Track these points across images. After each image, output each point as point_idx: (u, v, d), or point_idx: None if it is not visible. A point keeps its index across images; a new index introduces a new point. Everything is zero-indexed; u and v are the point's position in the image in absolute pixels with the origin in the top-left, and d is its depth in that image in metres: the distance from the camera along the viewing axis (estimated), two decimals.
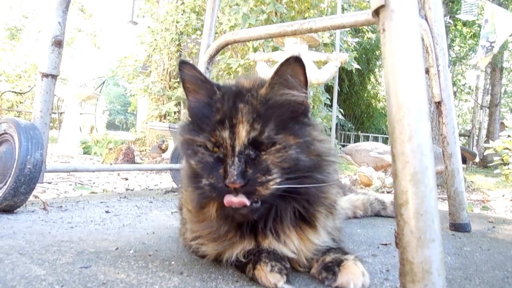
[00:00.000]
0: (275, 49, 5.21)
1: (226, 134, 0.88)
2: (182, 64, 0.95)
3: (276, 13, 5.62)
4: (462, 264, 1.19)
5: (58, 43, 1.70)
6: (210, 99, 0.94)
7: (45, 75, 1.70)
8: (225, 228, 0.97)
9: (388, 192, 3.98)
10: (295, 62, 0.89)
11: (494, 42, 6.70)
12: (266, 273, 0.89)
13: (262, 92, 0.92)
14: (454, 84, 17.07)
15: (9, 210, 1.59)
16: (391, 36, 0.75)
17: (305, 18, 6.01)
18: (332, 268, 0.93)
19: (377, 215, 2.05)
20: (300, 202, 0.96)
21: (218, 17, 6.01)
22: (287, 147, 0.88)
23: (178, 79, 8.77)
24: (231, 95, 0.93)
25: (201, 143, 0.91)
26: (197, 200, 0.99)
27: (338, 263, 0.94)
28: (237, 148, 0.87)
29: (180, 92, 7.73)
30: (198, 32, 7.17)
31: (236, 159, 0.86)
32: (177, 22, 7.39)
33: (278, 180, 0.87)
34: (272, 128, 0.88)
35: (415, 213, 0.70)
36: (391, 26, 0.75)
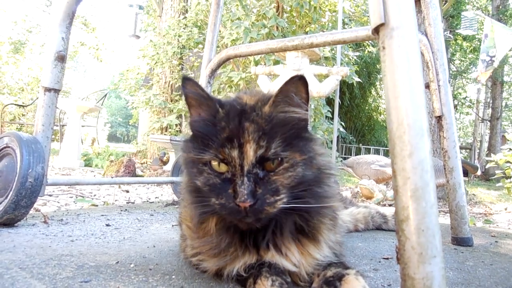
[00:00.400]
0: (276, 62, 5.26)
1: (234, 153, 0.88)
2: (185, 80, 0.95)
3: (277, 27, 5.68)
4: (464, 279, 1.19)
5: (61, 58, 1.72)
6: (213, 117, 0.94)
7: (48, 89, 1.71)
8: (226, 241, 0.97)
9: (389, 205, 3.96)
10: (299, 80, 0.91)
11: (494, 56, 6.75)
12: (267, 287, 0.89)
13: (266, 109, 0.93)
14: (455, 97, 17.13)
15: (9, 223, 1.59)
16: (391, 54, 0.76)
17: (306, 32, 6.07)
18: (334, 283, 0.92)
19: (379, 228, 2.04)
20: (302, 215, 0.97)
21: (220, 31, 6.08)
22: (294, 165, 0.90)
23: (180, 92, 8.82)
24: (235, 113, 0.93)
25: (206, 161, 0.91)
26: (198, 215, 0.99)
27: (339, 277, 0.93)
28: (246, 168, 0.87)
29: (181, 105, 7.77)
30: (200, 46, 7.24)
31: (245, 178, 0.86)
32: (179, 36, 7.47)
33: (285, 200, 0.89)
34: (279, 145, 0.89)
35: (416, 229, 0.70)
36: (391, 44, 0.76)
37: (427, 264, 0.69)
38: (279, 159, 0.89)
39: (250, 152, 0.87)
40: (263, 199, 0.86)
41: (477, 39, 14.21)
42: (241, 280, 0.98)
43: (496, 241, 1.88)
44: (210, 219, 0.99)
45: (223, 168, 0.90)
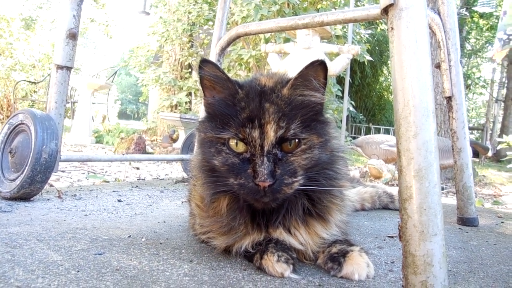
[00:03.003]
0: (286, 40, 5.20)
1: (255, 133, 0.89)
2: (204, 62, 0.96)
3: (288, 4, 5.59)
4: (467, 258, 1.21)
5: (73, 36, 1.73)
6: (233, 98, 0.95)
7: (60, 67, 1.74)
8: (237, 220, 1.00)
9: (398, 185, 3.97)
10: (319, 65, 0.92)
11: (511, 35, 6.56)
12: (273, 262, 0.93)
13: (285, 92, 0.94)
14: (468, 77, 16.78)
15: (26, 198, 1.65)
16: (399, 34, 0.76)
17: (318, 10, 5.97)
18: (338, 259, 0.96)
19: (385, 208, 2.06)
20: (313, 196, 1.00)
21: (230, 8, 6.00)
22: (312, 147, 0.92)
23: (190, 70, 8.81)
24: (255, 94, 0.94)
25: (225, 140, 0.93)
26: (211, 195, 1.01)
27: (344, 254, 0.97)
28: (266, 148, 0.89)
29: (191, 82, 7.77)
30: (210, 23, 7.18)
31: (265, 158, 0.88)
32: (189, 12, 7.40)
33: (301, 181, 0.92)
34: (298, 127, 0.91)
35: (419, 208, 0.72)
36: (399, 25, 0.77)
37: (428, 242, 0.71)
38: (297, 140, 0.91)
39: (271, 132, 0.89)
40: (281, 180, 0.89)
41: (494, 17, 13.80)
42: (248, 256, 1.02)
43: (502, 222, 1.89)
44: (222, 199, 1.02)
45: (241, 148, 0.92)
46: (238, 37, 2.27)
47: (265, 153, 0.89)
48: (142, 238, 1.20)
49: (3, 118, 9.41)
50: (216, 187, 0.98)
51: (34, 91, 10.59)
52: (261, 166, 0.87)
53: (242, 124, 0.90)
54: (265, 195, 0.88)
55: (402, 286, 0.74)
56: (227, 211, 1.01)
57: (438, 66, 1.74)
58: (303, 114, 0.93)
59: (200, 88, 1.01)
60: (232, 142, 0.92)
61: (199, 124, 1.03)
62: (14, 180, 1.63)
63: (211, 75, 0.96)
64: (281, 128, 0.89)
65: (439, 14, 1.72)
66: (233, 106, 0.94)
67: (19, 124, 1.73)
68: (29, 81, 9.91)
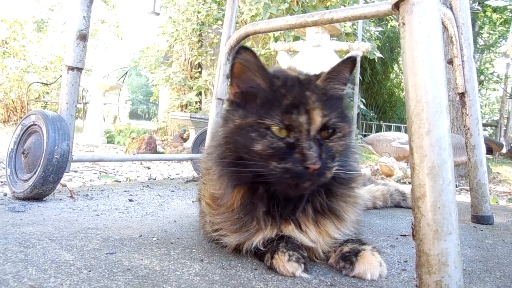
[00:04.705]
0: (296, 38, 5.18)
1: (302, 119, 0.91)
2: (243, 48, 0.97)
3: (297, 2, 5.57)
4: (482, 256, 1.19)
5: (83, 37, 1.74)
6: (271, 85, 0.97)
7: (71, 68, 1.75)
8: (255, 215, 0.99)
9: (409, 183, 3.93)
10: (352, 62, 1.00)
11: None
12: (284, 262, 0.92)
13: (320, 83, 0.99)
14: (481, 72, 16.50)
15: (38, 198, 1.67)
16: (411, 30, 0.75)
17: (327, 7, 5.93)
18: (350, 258, 0.95)
19: (397, 206, 2.04)
20: (332, 189, 1.03)
21: (239, 7, 6.00)
22: (345, 135, 0.98)
23: (199, 69, 8.82)
24: (293, 82, 0.97)
25: (268, 125, 0.92)
26: (232, 186, 1.00)
27: (356, 253, 0.95)
28: (312, 133, 0.92)
29: (201, 82, 7.79)
30: (219, 22, 7.18)
31: (312, 143, 0.90)
32: (199, 12, 7.41)
33: (337, 167, 0.95)
34: (336, 116, 0.95)
35: (433, 206, 0.71)
36: (411, 20, 0.75)
37: (442, 241, 0.70)
38: (333, 129, 0.95)
39: (318, 118, 0.92)
40: (325, 163, 0.91)
41: (508, 10, 13.56)
42: (259, 255, 1.01)
43: None
44: (236, 193, 1.00)
45: (283, 133, 0.92)
46: (247, 35, 2.26)
47: (312, 138, 0.91)
48: (153, 237, 1.21)
49: (17, 119, 9.57)
50: (239, 177, 0.97)
51: (47, 93, 10.73)
52: (309, 150, 0.89)
53: (286, 110, 0.92)
54: (310, 179, 0.90)
55: (416, 286, 0.73)
56: (240, 206, 1.00)
57: (450, 61, 1.72)
58: (337, 105, 0.99)
59: (230, 74, 1.02)
60: (275, 127, 0.92)
61: (228, 112, 1.02)
62: (27, 180, 1.65)
63: (248, 62, 0.97)
64: (325, 116, 0.93)
65: (451, 8, 1.69)
66: (273, 92, 0.96)
67: (32, 125, 1.75)
68: (42, 83, 10.05)
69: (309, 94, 0.94)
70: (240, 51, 0.96)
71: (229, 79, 1.04)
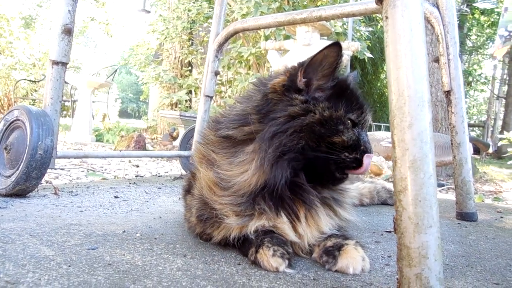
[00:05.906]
0: (286, 37, 5.18)
1: (368, 116, 1.08)
2: (335, 44, 0.98)
3: (288, 1, 5.57)
4: (465, 252, 1.20)
5: (68, 31, 1.72)
6: (344, 85, 1.07)
7: (55, 63, 1.72)
8: (265, 200, 0.99)
9: None
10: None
11: None
12: (269, 257, 0.91)
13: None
14: (469, 74, 16.70)
15: (21, 194, 1.64)
16: (394, 23, 0.75)
17: (318, 6, 5.94)
18: (333, 252, 0.95)
19: (384, 203, 2.05)
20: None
21: (230, 6, 5.99)
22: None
23: (190, 68, 8.79)
24: (351, 83, 1.10)
25: (349, 119, 1.02)
26: (288, 175, 0.97)
27: (339, 247, 0.95)
28: (366, 128, 1.07)
29: (191, 80, 7.76)
30: (210, 21, 7.14)
31: (366, 136, 1.05)
32: (189, 10, 7.38)
33: None
34: None
35: (414, 200, 0.71)
36: (394, 13, 0.75)
37: (422, 234, 0.70)
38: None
39: (370, 117, 1.10)
40: None
41: (496, 13, 13.74)
42: (243, 250, 1.00)
43: (501, 217, 1.87)
44: (255, 176, 0.97)
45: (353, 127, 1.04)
46: (236, 32, 2.26)
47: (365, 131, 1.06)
48: (137, 233, 1.19)
49: None
50: (294, 164, 0.97)
51: (35, 90, 10.58)
52: (367, 143, 1.03)
53: (359, 107, 1.05)
54: (361, 166, 1.00)
55: (397, 279, 0.73)
56: (252, 189, 0.98)
57: (437, 60, 1.73)
58: None
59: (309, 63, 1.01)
60: (350, 123, 1.02)
61: (306, 104, 1.00)
62: (9, 176, 1.62)
63: (334, 59, 1.00)
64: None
65: (437, 7, 1.70)
66: (346, 90, 1.06)
67: (15, 120, 1.72)
68: (29, 80, 9.92)
69: (359, 93, 1.10)
70: (333, 45, 0.98)
71: (304, 71, 1.01)
